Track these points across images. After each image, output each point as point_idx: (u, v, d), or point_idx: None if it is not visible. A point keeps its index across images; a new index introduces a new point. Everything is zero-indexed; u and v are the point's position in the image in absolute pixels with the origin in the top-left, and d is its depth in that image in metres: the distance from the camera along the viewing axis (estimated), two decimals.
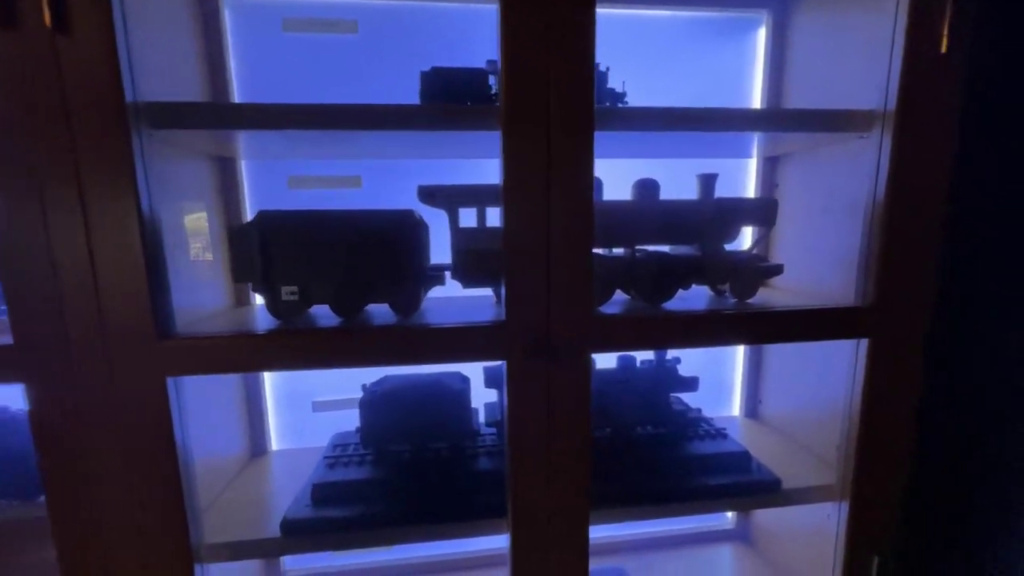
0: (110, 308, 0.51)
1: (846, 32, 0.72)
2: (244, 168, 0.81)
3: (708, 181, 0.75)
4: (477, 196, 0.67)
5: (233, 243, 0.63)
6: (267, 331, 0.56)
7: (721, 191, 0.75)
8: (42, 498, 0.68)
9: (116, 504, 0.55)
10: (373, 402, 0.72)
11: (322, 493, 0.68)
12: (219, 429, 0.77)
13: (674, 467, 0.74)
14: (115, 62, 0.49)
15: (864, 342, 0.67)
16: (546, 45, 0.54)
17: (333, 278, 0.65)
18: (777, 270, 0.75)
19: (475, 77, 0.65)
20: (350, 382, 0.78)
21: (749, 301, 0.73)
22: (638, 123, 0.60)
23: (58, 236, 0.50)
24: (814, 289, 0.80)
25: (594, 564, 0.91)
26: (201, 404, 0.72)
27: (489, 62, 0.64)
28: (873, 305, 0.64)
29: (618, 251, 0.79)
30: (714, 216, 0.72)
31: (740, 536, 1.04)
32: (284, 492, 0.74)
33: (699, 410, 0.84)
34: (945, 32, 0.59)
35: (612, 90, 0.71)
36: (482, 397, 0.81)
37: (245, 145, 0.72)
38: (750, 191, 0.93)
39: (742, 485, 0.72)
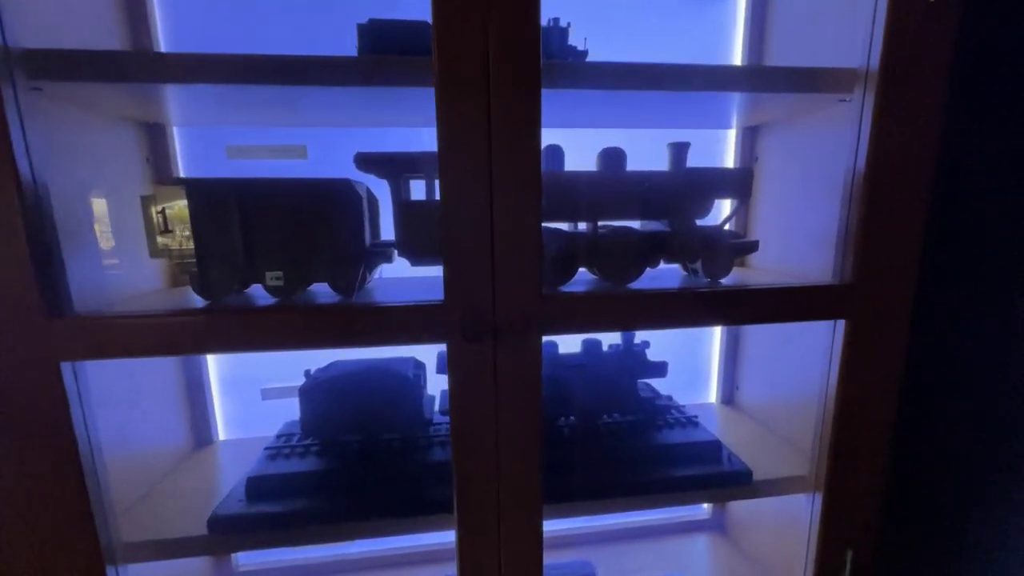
0: None
1: None
2: (176, 136, 0.75)
3: (680, 151, 0.69)
4: (420, 164, 0.61)
5: (148, 216, 0.57)
6: (177, 311, 0.50)
7: (698, 164, 0.69)
8: None
9: (11, 501, 0.50)
10: (314, 389, 0.67)
11: (257, 487, 0.63)
12: (152, 418, 0.71)
13: (640, 457, 0.70)
14: None
15: (842, 324, 0.62)
16: None
17: (263, 254, 0.59)
18: (752, 247, 0.70)
19: (417, 29, 0.58)
20: (303, 368, 0.72)
21: (722, 281, 0.68)
22: (594, 80, 0.54)
23: None
24: (792, 269, 0.75)
25: (561, 557, 0.88)
26: (128, 390, 0.66)
27: None
28: (851, 284, 0.59)
29: (582, 227, 0.73)
30: (684, 187, 0.67)
31: (715, 527, 1.00)
32: (225, 485, 0.69)
33: (669, 397, 0.79)
34: None
35: (573, 48, 0.64)
36: (440, 384, 0.76)
37: (172, 109, 0.65)
38: (729, 165, 0.88)
39: (711, 476, 0.68)
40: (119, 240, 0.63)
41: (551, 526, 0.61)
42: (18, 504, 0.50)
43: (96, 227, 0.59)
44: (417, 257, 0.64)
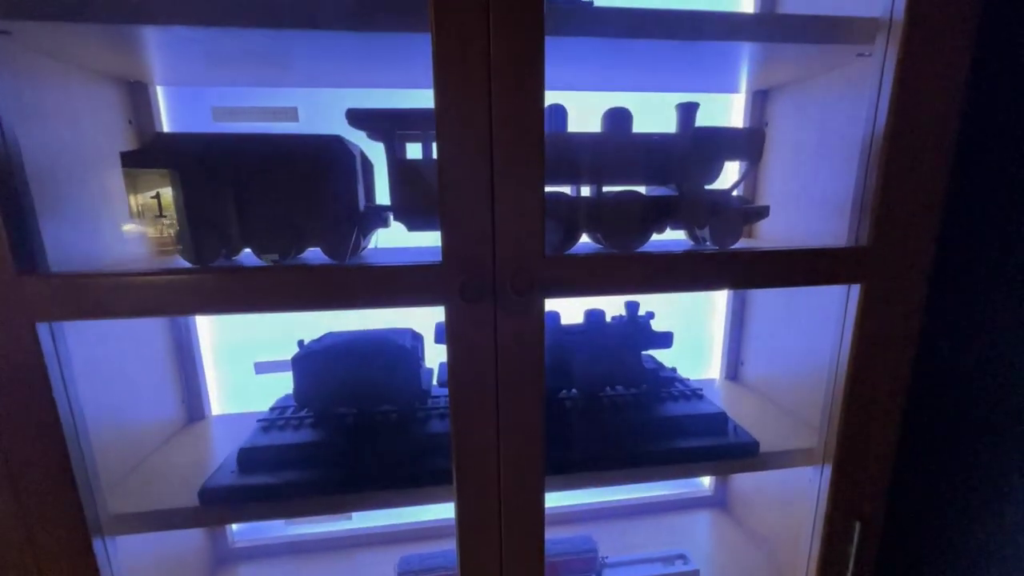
0: None
1: None
2: (160, 97, 0.71)
3: (688, 112, 0.66)
4: (415, 121, 0.58)
5: (128, 173, 0.54)
6: (160, 270, 0.47)
7: None
8: None
9: None
10: (307, 358, 0.64)
11: (250, 458, 0.61)
12: (143, 392, 0.69)
13: (644, 429, 0.68)
14: None
15: (856, 289, 0.59)
16: None
17: (250, 216, 0.56)
18: (762, 212, 0.67)
19: None
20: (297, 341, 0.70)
21: (730, 248, 0.65)
22: (601, 26, 0.51)
23: None
24: (802, 238, 0.73)
25: (563, 532, 0.86)
26: (117, 364, 0.64)
27: None
28: (867, 247, 0.57)
29: (585, 193, 0.70)
30: (692, 149, 0.64)
31: (717, 503, 0.99)
32: (217, 458, 0.67)
33: (673, 369, 0.77)
34: None
35: None
36: (439, 358, 0.74)
37: (154, 62, 0.62)
38: None
39: (717, 448, 0.66)
40: (100, 204, 0.60)
41: (552, 502, 0.60)
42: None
43: (74, 188, 0.56)
44: (414, 220, 0.61)
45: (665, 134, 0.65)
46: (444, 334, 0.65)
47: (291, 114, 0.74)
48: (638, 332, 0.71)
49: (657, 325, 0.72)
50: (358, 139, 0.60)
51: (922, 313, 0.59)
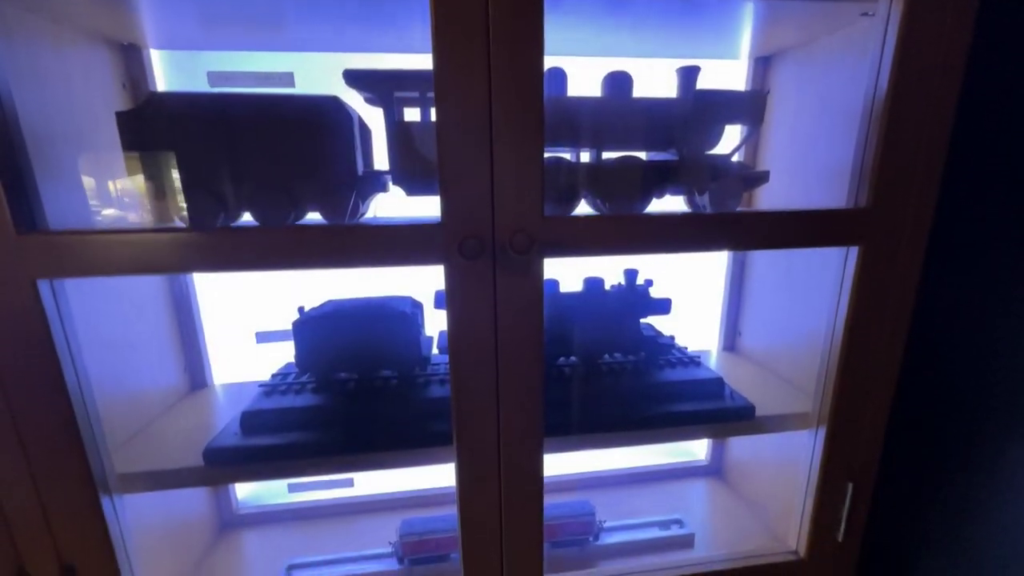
0: None
1: None
2: (155, 61, 0.70)
3: (689, 75, 0.65)
4: (414, 82, 0.57)
5: (123, 133, 0.53)
6: (158, 227, 0.47)
7: None
8: None
9: None
10: (308, 323, 0.65)
11: (252, 421, 0.62)
12: (146, 360, 0.70)
13: (642, 394, 0.69)
14: None
15: (855, 253, 0.59)
16: None
17: (248, 178, 0.56)
18: (762, 177, 0.67)
19: None
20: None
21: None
22: None
23: None
24: (802, 205, 0.72)
25: (561, 499, 0.88)
26: (120, 332, 0.64)
27: None
28: (868, 207, 0.57)
29: (585, 158, 0.70)
30: (693, 112, 0.63)
31: (713, 471, 1.01)
32: (220, 423, 0.68)
33: (672, 337, 0.77)
34: None
35: None
36: (439, 326, 0.75)
37: (147, 23, 0.61)
38: None
39: (714, 412, 0.67)
40: (97, 167, 0.60)
41: (551, 471, 0.61)
42: (5, 430, 0.48)
43: (71, 151, 0.56)
44: (413, 184, 0.61)
45: (666, 98, 0.64)
46: (444, 300, 0.66)
47: (287, 80, 0.73)
48: (637, 299, 0.72)
49: (655, 295, 0.72)
50: (357, 106, 0.60)
51: (920, 276, 0.60)
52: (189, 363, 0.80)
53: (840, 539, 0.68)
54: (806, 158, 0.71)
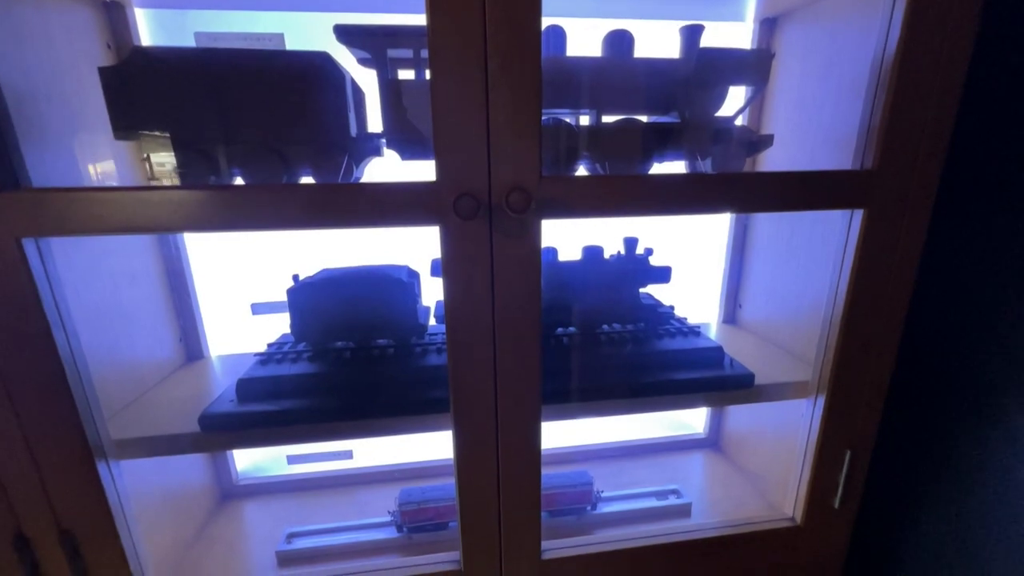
0: None
1: None
2: (141, 18, 0.68)
3: (693, 35, 0.63)
4: (408, 38, 0.55)
5: (107, 90, 0.51)
6: (145, 186, 0.46)
7: None
8: None
9: None
10: (303, 289, 0.64)
11: (248, 389, 0.62)
12: (140, 331, 0.69)
13: (642, 362, 0.68)
14: None
15: (859, 217, 0.58)
16: None
17: (236, 138, 0.54)
18: (766, 141, 0.65)
19: None
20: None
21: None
22: None
23: None
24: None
25: (558, 470, 0.88)
26: (111, 300, 0.63)
27: None
28: (873, 170, 0.55)
29: (584, 120, 0.68)
30: (696, 73, 0.61)
31: (710, 444, 1.01)
32: (216, 392, 0.68)
33: (671, 307, 0.77)
34: None
35: None
36: (435, 296, 0.74)
37: None
38: None
39: (714, 380, 0.67)
40: (81, 128, 0.58)
41: (549, 443, 0.60)
42: None
43: (54, 111, 0.54)
44: (407, 147, 0.59)
45: (668, 58, 0.63)
46: (440, 268, 0.65)
47: (277, 41, 0.70)
48: (636, 268, 0.71)
49: (655, 264, 0.71)
50: (349, 69, 0.58)
51: (923, 242, 0.59)
52: (184, 334, 0.79)
53: (836, 506, 0.68)
54: (811, 123, 0.70)
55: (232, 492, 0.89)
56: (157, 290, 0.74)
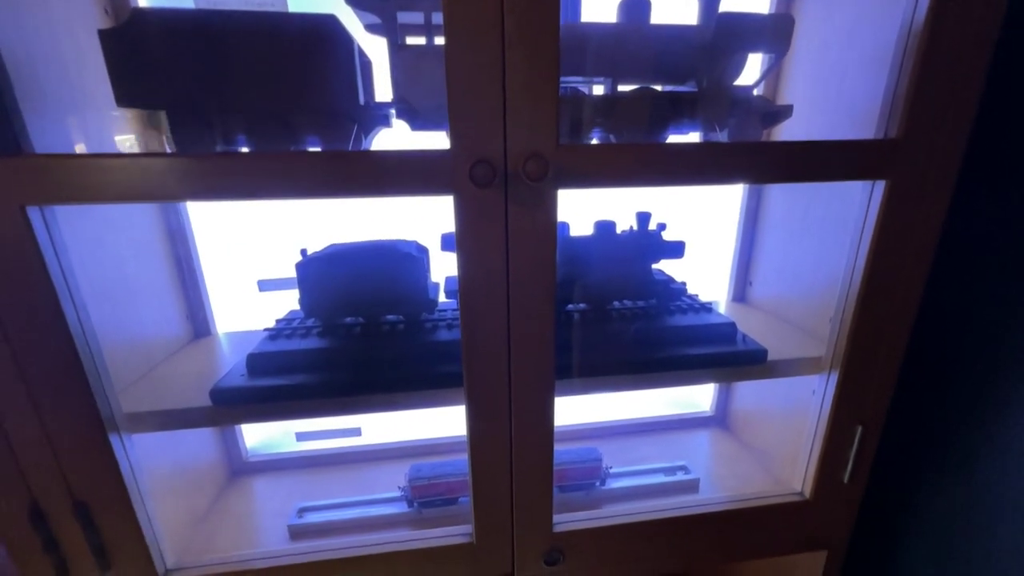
0: None
1: None
2: None
3: (711, 1, 0.61)
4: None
5: (108, 54, 0.50)
6: (150, 153, 0.45)
7: None
8: None
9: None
10: (312, 263, 0.63)
11: (258, 363, 0.61)
12: (148, 308, 0.68)
13: (654, 337, 0.68)
14: None
15: (879, 190, 0.57)
16: None
17: (240, 105, 0.52)
18: (785, 112, 0.63)
19: None
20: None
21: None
22: None
23: None
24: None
25: (568, 446, 0.89)
26: (117, 277, 0.63)
27: None
28: (898, 139, 0.54)
29: (598, 90, 0.66)
30: (715, 39, 0.59)
31: (718, 422, 1.01)
32: (225, 367, 0.67)
33: (684, 284, 0.76)
34: None
35: None
36: (445, 272, 0.73)
37: None
38: None
39: (726, 355, 0.66)
40: (82, 94, 0.56)
41: (558, 421, 0.60)
42: (4, 363, 0.47)
43: (53, 78, 0.52)
44: (418, 117, 0.58)
45: (686, 25, 0.60)
46: (451, 242, 0.64)
47: (280, 4, 0.68)
48: (649, 243, 0.69)
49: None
50: (356, 37, 0.56)
51: (945, 215, 0.57)
52: (191, 311, 0.78)
53: (846, 481, 0.69)
54: (831, 94, 0.68)
55: (242, 468, 0.89)
56: (163, 267, 0.73)
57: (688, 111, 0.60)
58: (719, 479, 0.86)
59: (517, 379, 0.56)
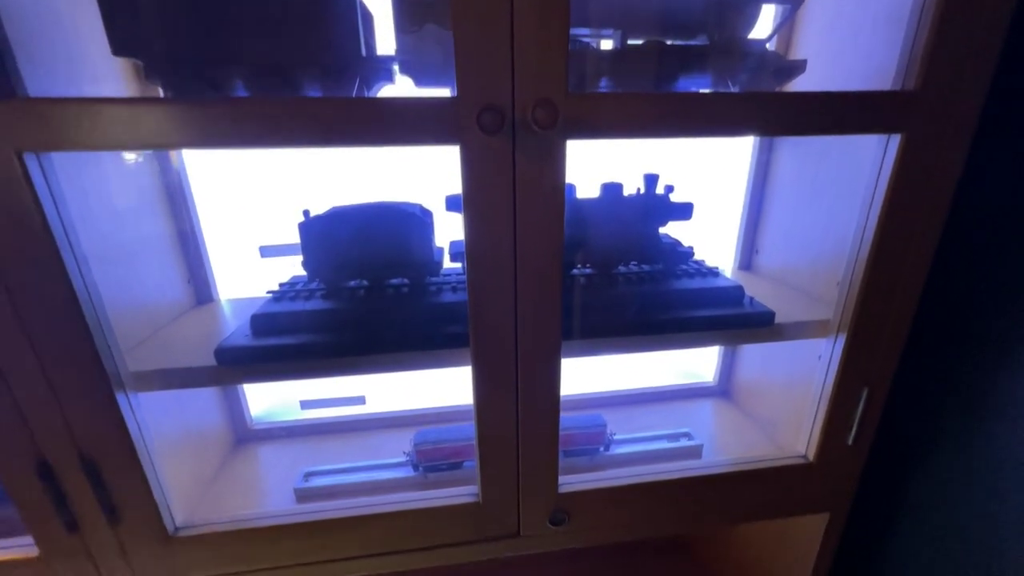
0: None
1: None
2: None
3: None
4: None
5: (103, 2, 0.48)
6: (147, 98, 0.43)
7: None
8: None
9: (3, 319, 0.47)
10: (316, 223, 0.62)
11: (263, 324, 0.61)
12: (150, 273, 0.68)
13: (661, 300, 0.67)
14: None
15: (893, 148, 0.55)
16: None
17: (238, 55, 0.51)
18: (799, 67, 0.62)
19: None
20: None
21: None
22: None
23: None
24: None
25: (572, 414, 0.89)
26: (116, 240, 0.62)
27: None
28: (916, 90, 0.52)
29: (607, 45, 0.64)
30: None
31: (721, 392, 1.02)
32: (228, 331, 0.67)
33: (691, 248, 0.75)
34: None
35: None
36: (450, 236, 0.72)
37: None
38: None
39: (734, 317, 0.66)
40: (77, 44, 0.55)
41: (562, 390, 0.61)
42: (5, 317, 0.47)
43: (48, 25, 0.51)
44: (423, 73, 0.56)
45: None
46: (455, 203, 0.63)
47: None
48: (657, 205, 0.68)
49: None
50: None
51: (961, 171, 0.56)
52: (193, 276, 0.78)
53: (850, 442, 0.69)
54: (845, 48, 0.66)
55: (247, 436, 0.90)
56: (163, 231, 0.72)
57: (698, 66, 0.59)
58: (722, 446, 0.86)
59: (524, 338, 0.56)
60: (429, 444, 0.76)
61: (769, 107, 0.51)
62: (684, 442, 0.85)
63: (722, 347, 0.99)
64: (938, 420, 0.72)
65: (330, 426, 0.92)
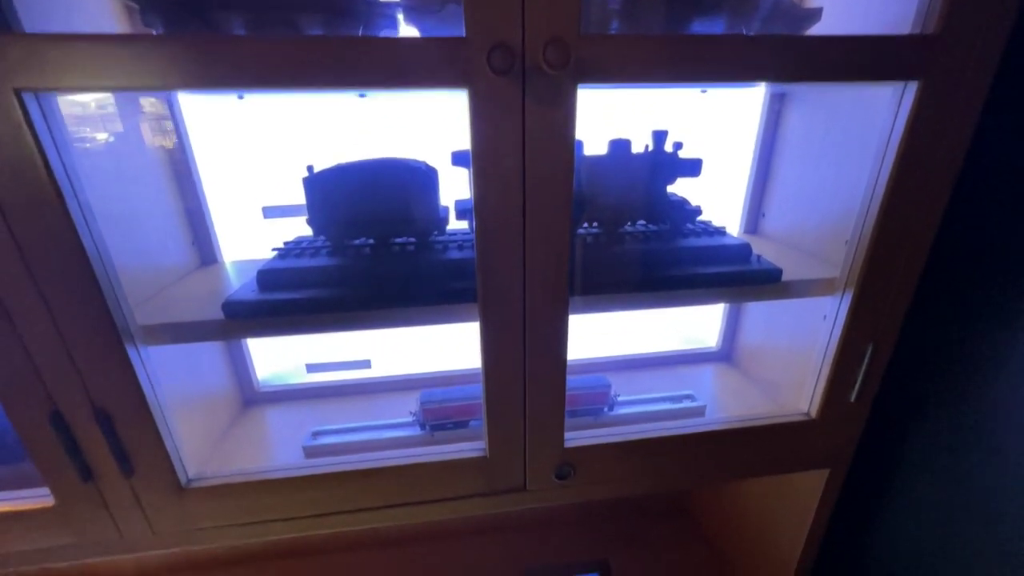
0: None
1: None
2: None
3: None
4: None
5: None
6: (146, 36, 0.42)
7: None
8: None
9: (10, 269, 0.46)
10: (320, 177, 0.61)
11: (269, 279, 0.61)
12: (154, 234, 0.67)
13: (669, 257, 0.67)
14: None
15: (910, 96, 0.54)
16: None
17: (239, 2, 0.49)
18: (814, 16, 0.60)
19: None
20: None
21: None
22: None
23: None
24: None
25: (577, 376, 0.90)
26: (115, 197, 0.61)
27: None
28: (935, 34, 0.51)
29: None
30: None
31: (723, 357, 1.02)
32: (233, 289, 0.67)
33: (699, 207, 0.74)
34: None
35: None
36: (454, 195, 0.71)
37: None
38: None
39: (741, 274, 0.66)
40: None
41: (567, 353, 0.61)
42: (11, 263, 0.46)
43: None
44: (427, 18, 0.55)
45: None
46: (461, 159, 0.62)
47: None
48: (665, 162, 0.68)
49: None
50: None
51: (977, 120, 0.55)
52: (196, 237, 0.77)
53: (853, 399, 0.70)
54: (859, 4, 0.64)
55: (254, 399, 0.91)
56: (165, 191, 0.71)
57: (712, 10, 0.57)
58: (725, 407, 0.87)
59: (531, 292, 0.56)
60: (435, 403, 0.77)
61: (784, 51, 0.50)
62: (687, 403, 0.86)
63: (725, 311, 0.99)
64: (938, 377, 0.73)
65: (336, 389, 0.93)
